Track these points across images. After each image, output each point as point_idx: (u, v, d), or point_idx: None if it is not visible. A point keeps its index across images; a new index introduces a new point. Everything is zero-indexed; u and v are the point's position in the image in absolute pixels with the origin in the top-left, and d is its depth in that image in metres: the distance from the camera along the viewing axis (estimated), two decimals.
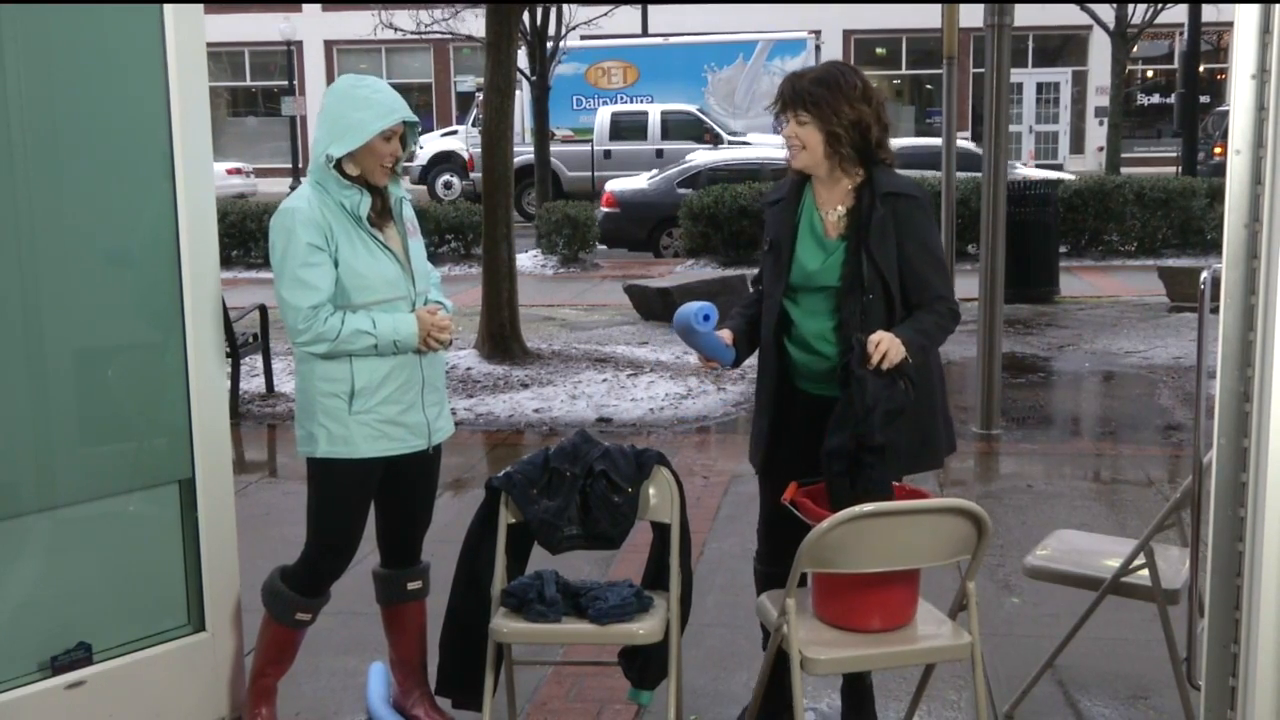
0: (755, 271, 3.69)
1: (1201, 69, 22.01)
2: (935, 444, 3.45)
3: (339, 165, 3.37)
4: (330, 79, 32.53)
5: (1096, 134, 28.94)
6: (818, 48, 25.73)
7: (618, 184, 17.58)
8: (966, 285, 11.13)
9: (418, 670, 3.71)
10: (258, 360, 8.75)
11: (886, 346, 3.12)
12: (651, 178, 17.61)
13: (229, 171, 24.21)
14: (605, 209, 16.84)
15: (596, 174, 22.09)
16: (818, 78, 3.33)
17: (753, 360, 3.57)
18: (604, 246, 16.78)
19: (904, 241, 3.31)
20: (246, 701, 3.66)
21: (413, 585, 3.68)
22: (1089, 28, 26.26)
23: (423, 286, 3.54)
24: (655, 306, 11.44)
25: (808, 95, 3.29)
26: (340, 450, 3.42)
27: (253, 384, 8.64)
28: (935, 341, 3.34)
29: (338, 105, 3.37)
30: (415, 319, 3.44)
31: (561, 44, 19.37)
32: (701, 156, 18.12)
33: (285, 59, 29.78)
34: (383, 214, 3.49)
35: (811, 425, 3.34)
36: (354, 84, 3.42)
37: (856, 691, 3.54)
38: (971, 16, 10.59)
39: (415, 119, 3.47)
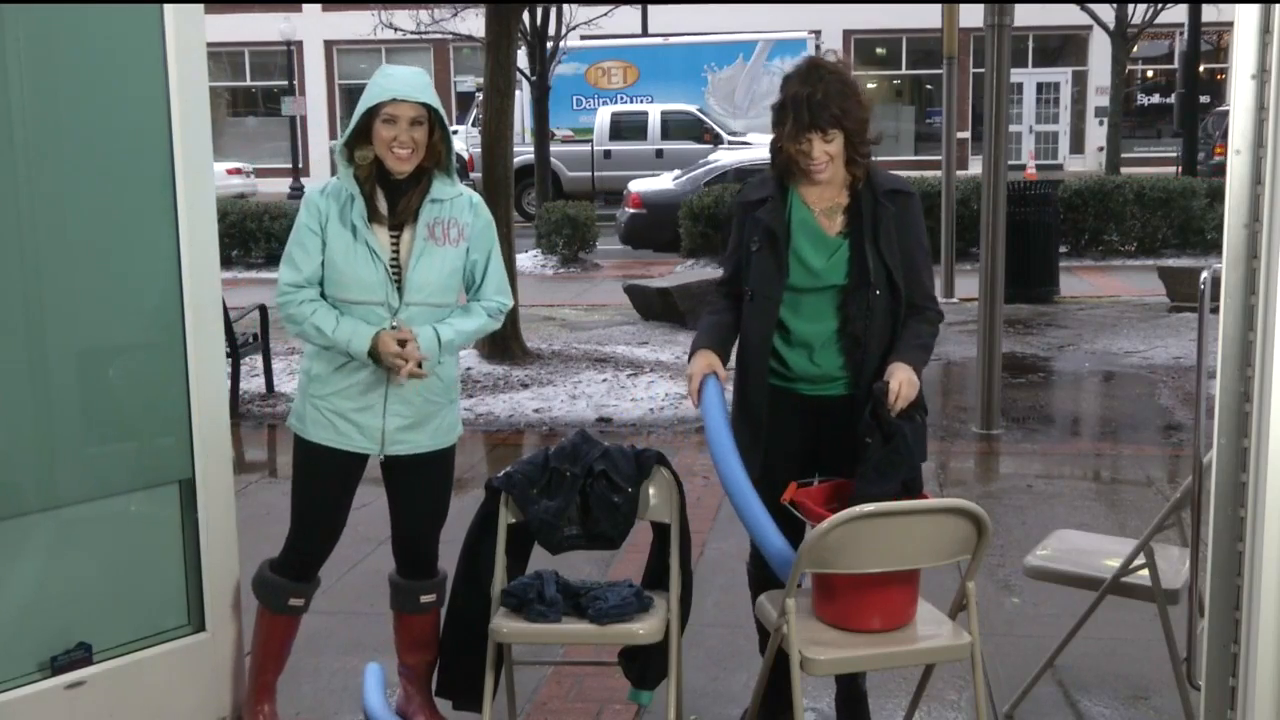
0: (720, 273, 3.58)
1: (1201, 69, 22.00)
2: None
3: (353, 156, 3.36)
4: (330, 79, 32.65)
5: (1096, 134, 28.95)
6: (818, 48, 25.71)
7: (643, 184, 17.38)
8: (966, 285, 11.32)
9: (421, 677, 3.69)
10: (258, 360, 8.74)
11: (906, 390, 3.14)
12: (677, 178, 17.42)
13: (229, 171, 24.21)
14: (631, 209, 16.72)
15: (596, 174, 22.08)
16: (833, 92, 3.18)
17: None
18: (628, 246, 16.67)
19: (904, 238, 3.31)
20: (247, 699, 3.66)
21: (426, 598, 3.63)
22: (1089, 28, 26.27)
23: (419, 297, 3.37)
24: (655, 306, 11.42)
25: (837, 114, 3.18)
26: (295, 425, 3.53)
27: (253, 384, 8.63)
28: (932, 351, 3.35)
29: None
30: (370, 337, 3.30)
31: (561, 44, 19.39)
32: (727, 156, 17.96)
33: (285, 59, 29.76)
34: (401, 212, 3.39)
35: (804, 424, 3.37)
36: (377, 71, 3.38)
37: (852, 698, 3.53)
38: (971, 16, 10.63)
39: (421, 99, 3.27)
